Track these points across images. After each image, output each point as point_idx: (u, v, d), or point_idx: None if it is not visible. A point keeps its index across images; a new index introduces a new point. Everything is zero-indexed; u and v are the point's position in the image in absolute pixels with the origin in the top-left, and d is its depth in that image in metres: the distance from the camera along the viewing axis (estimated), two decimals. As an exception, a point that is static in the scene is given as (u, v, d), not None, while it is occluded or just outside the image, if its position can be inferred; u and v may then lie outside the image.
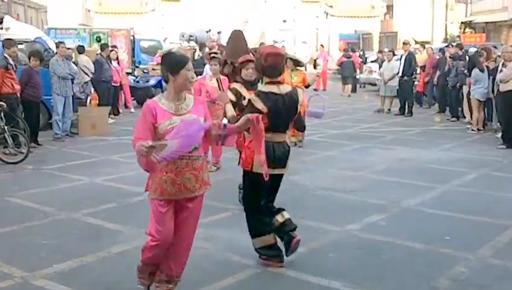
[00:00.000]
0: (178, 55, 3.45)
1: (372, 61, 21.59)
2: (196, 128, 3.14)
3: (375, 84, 19.53)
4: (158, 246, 3.35)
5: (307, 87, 9.20)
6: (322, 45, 23.63)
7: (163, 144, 3.08)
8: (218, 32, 17.11)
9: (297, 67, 9.19)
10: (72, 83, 10.20)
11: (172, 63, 3.31)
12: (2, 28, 11.07)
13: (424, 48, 16.64)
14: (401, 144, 9.73)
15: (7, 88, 8.39)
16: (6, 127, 7.99)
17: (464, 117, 12.18)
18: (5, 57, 8.61)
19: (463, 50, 13.44)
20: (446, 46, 15.43)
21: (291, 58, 9.28)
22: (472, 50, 13.00)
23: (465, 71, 11.56)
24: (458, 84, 12.24)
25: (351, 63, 18.89)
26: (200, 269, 4.16)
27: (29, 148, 8.01)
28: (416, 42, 24.47)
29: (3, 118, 8.00)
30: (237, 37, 9.14)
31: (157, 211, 3.33)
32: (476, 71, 10.73)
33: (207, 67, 9.59)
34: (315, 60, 20.48)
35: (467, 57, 12.16)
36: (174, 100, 3.33)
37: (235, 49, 8.99)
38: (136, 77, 14.46)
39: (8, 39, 9.11)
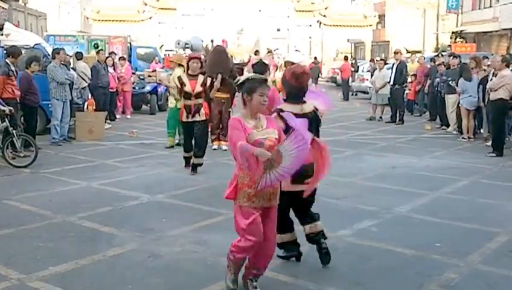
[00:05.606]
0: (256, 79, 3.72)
1: (368, 71, 22.05)
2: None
3: (367, 92, 19.79)
4: (253, 246, 3.63)
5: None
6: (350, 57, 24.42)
7: (279, 153, 3.37)
8: (211, 41, 17.40)
9: None
10: (71, 88, 10.27)
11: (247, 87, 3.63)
12: (2, 35, 11.14)
13: (416, 57, 16.86)
14: (392, 151, 9.83)
15: (7, 94, 8.48)
16: (14, 132, 8.03)
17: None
18: (6, 63, 8.70)
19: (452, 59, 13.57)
20: (436, 56, 15.62)
21: (292, 63, 9.07)
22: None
23: (449, 80, 11.64)
24: (437, 90, 12.47)
25: (318, 68, 23.84)
26: (192, 273, 4.22)
27: (37, 152, 8.02)
28: (408, 51, 24.77)
29: (10, 122, 8.05)
30: (219, 52, 9.15)
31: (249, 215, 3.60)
32: (461, 81, 10.88)
33: None
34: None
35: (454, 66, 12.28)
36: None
37: (217, 63, 8.97)
38: (133, 83, 14.58)
39: (13, 46, 9.22)
